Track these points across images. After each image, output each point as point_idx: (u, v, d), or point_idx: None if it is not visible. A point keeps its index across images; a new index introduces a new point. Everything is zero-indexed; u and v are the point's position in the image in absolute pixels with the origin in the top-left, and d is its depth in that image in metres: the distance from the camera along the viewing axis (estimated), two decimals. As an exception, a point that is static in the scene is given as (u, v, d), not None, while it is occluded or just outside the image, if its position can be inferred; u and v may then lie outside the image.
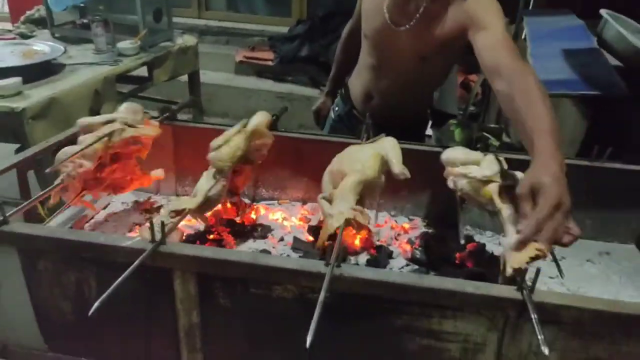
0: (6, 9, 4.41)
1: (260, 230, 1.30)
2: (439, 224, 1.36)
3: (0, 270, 0.96)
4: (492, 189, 1.00)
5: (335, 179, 1.09)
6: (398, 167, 1.10)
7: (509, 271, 0.84)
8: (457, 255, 1.21)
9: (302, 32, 3.94)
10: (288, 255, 1.21)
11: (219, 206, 1.22)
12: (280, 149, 1.35)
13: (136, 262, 0.78)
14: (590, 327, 0.80)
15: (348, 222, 0.95)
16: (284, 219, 1.37)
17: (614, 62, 1.87)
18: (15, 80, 1.85)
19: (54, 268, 0.93)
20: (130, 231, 1.28)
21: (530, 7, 2.84)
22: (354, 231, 1.01)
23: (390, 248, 1.25)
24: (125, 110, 1.23)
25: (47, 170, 1.07)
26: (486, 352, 0.85)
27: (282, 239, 1.28)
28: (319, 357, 0.90)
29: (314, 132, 1.53)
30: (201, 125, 1.50)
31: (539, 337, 0.69)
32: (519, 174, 0.99)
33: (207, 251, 0.90)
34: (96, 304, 0.68)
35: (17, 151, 1.67)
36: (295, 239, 1.26)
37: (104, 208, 1.38)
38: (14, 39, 2.63)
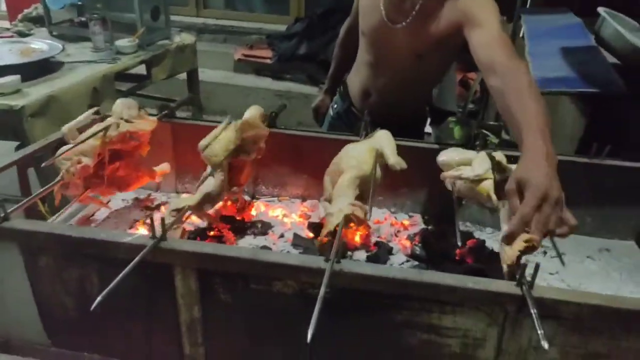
0: (4, 7, 4.40)
1: (261, 227, 1.30)
2: (438, 221, 1.36)
3: (3, 266, 0.96)
4: (487, 186, 1.00)
5: (335, 179, 1.09)
6: (393, 158, 1.10)
7: (504, 268, 0.84)
8: (457, 251, 1.21)
9: (300, 30, 3.94)
10: (288, 252, 1.21)
11: (221, 203, 1.22)
12: (279, 147, 1.35)
13: (137, 258, 0.79)
14: (589, 323, 0.80)
15: (347, 218, 0.96)
16: (284, 216, 1.38)
17: (611, 60, 1.88)
18: (14, 78, 1.85)
19: (55, 264, 0.94)
20: (130, 228, 1.28)
21: (528, 6, 2.85)
22: (355, 226, 1.01)
23: (390, 244, 1.25)
24: (120, 105, 1.23)
25: (43, 165, 1.07)
26: (486, 347, 0.85)
27: (282, 236, 1.28)
28: (320, 352, 0.91)
29: (313, 129, 1.53)
30: (200, 123, 1.50)
31: (539, 332, 0.70)
32: (514, 168, 1.00)
33: (207, 247, 0.90)
34: (98, 299, 0.68)
35: (17, 149, 1.67)
36: (296, 235, 1.26)
37: (107, 202, 1.38)
38: (11, 37, 2.63)
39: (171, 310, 0.92)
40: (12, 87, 1.83)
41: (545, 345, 0.68)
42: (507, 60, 1.07)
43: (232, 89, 3.94)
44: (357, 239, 1.24)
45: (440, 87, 2.70)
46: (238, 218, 1.32)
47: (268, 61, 3.97)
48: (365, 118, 1.32)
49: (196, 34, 3.90)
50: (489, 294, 0.80)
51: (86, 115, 1.23)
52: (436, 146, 1.35)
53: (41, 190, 1.05)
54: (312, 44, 3.85)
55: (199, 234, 1.24)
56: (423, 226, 1.36)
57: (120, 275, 0.75)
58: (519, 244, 0.82)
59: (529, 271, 0.78)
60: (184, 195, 1.44)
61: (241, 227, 1.29)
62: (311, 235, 1.27)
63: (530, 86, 0.99)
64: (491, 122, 2.97)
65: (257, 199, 1.46)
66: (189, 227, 1.25)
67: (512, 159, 1.08)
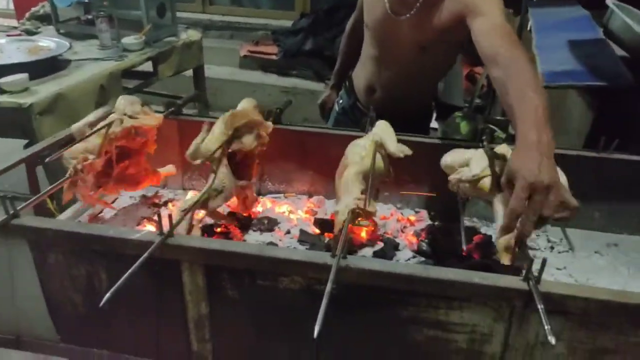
0: (11, 5, 4.43)
1: (267, 223, 1.30)
2: (445, 216, 1.36)
3: (12, 262, 0.98)
4: (486, 183, 1.00)
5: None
6: (393, 146, 1.10)
7: (502, 260, 0.85)
8: (463, 247, 1.21)
9: (306, 25, 3.93)
10: (295, 248, 1.21)
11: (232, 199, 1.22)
12: (285, 143, 1.36)
13: (145, 254, 0.79)
14: (597, 318, 0.80)
15: (354, 213, 0.96)
16: (290, 212, 1.38)
17: (620, 53, 1.86)
18: (22, 76, 1.86)
19: (64, 260, 0.95)
20: (138, 225, 1.29)
21: (536, -1, 2.82)
22: (362, 219, 1.02)
23: (397, 240, 1.25)
24: (123, 102, 1.23)
25: (47, 160, 1.08)
26: (493, 342, 0.85)
27: (288, 232, 1.28)
28: (326, 348, 0.91)
29: (318, 125, 1.53)
30: (207, 119, 1.50)
31: (546, 327, 0.69)
32: None
33: (214, 243, 0.90)
34: (107, 295, 0.69)
35: (26, 147, 1.68)
36: (302, 231, 1.26)
37: (112, 202, 1.39)
38: (19, 35, 2.64)
39: (179, 306, 0.93)
40: (20, 85, 1.85)
41: (553, 340, 0.68)
42: (509, 50, 1.06)
43: (238, 85, 3.94)
44: (364, 234, 1.25)
45: (445, 81, 2.69)
46: (245, 214, 1.32)
47: (274, 57, 3.97)
48: (371, 114, 1.32)
49: (202, 30, 3.91)
50: (496, 289, 0.80)
51: (95, 113, 1.24)
52: (442, 141, 1.35)
53: (50, 187, 1.06)
54: (318, 39, 3.84)
55: (206, 230, 1.24)
56: (429, 222, 1.36)
57: (129, 271, 0.75)
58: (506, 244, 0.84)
59: (536, 266, 0.78)
60: (191, 193, 1.44)
61: (248, 224, 1.29)
62: (317, 231, 1.28)
63: (531, 76, 0.98)
64: (498, 117, 2.95)
65: (264, 195, 1.46)
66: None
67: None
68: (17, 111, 1.77)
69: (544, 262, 0.77)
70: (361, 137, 1.19)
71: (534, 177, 0.80)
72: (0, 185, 1.15)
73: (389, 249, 1.21)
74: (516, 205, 0.81)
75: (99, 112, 1.24)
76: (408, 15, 1.34)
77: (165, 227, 0.87)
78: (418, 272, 0.82)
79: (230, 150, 1.17)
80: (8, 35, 2.55)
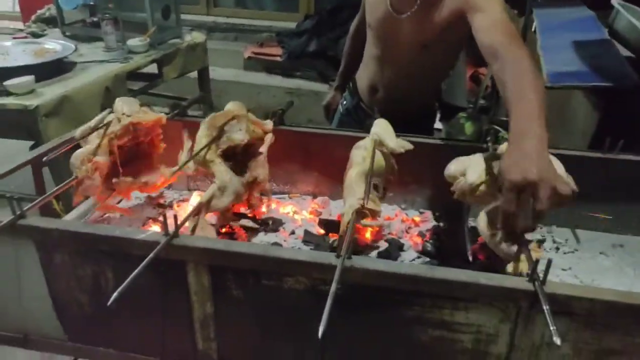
0: (17, 8, 4.46)
1: (272, 224, 1.31)
2: (450, 217, 1.36)
3: (19, 263, 0.98)
4: (483, 190, 1.00)
5: None
6: (392, 142, 1.10)
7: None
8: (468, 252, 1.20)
9: (310, 27, 3.93)
10: (299, 248, 1.21)
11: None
12: (288, 144, 1.36)
13: (151, 254, 0.80)
14: (602, 319, 0.80)
15: (360, 213, 0.96)
16: (295, 213, 1.38)
17: (625, 53, 1.85)
18: (28, 78, 1.88)
19: (70, 261, 0.95)
20: (144, 225, 1.30)
21: (540, -1, 2.81)
22: (369, 219, 1.02)
23: (401, 241, 1.25)
24: (120, 104, 1.24)
25: (45, 159, 1.10)
26: (498, 343, 0.85)
27: (293, 232, 1.29)
28: (331, 348, 0.91)
29: (322, 126, 1.53)
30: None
31: (551, 328, 0.69)
32: None
33: (219, 244, 0.91)
34: (114, 295, 0.69)
35: (32, 148, 1.70)
36: (306, 232, 1.27)
37: (118, 203, 1.40)
38: (25, 38, 2.67)
39: (184, 306, 0.93)
40: (26, 88, 1.86)
41: (558, 341, 0.68)
42: (507, 45, 1.06)
43: (243, 87, 3.95)
44: (368, 235, 1.25)
45: (449, 82, 2.68)
46: (249, 215, 1.33)
47: (278, 59, 3.98)
48: (376, 115, 1.32)
49: (207, 32, 3.92)
50: (502, 290, 0.79)
51: (96, 119, 1.25)
52: (446, 142, 1.35)
53: (56, 188, 1.07)
54: (322, 40, 3.84)
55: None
56: (434, 222, 1.35)
57: (135, 271, 0.76)
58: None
59: (541, 267, 0.78)
60: (195, 194, 1.45)
61: (256, 227, 1.30)
62: (322, 232, 1.28)
63: (530, 72, 0.97)
64: (503, 118, 2.94)
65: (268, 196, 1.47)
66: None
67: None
68: (23, 113, 1.78)
69: (549, 263, 0.77)
70: (364, 138, 1.20)
71: (520, 175, 0.79)
72: (7, 186, 1.16)
73: (394, 250, 1.21)
74: (506, 206, 0.81)
75: (100, 117, 1.25)
76: (409, 13, 1.35)
77: (171, 227, 0.87)
78: (423, 273, 0.82)
79: (223, 149, 1.17)
80: (14, 38, 2.57)
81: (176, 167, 1.17)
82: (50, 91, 1.91)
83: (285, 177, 1.47)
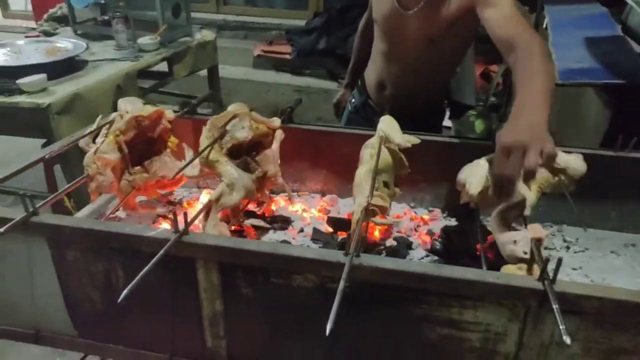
0: (30, 7, 4.51)
1: (281, 222, 1.31)
2: (459, 216, 1.35)
3: (32, 260, 1.00)
4: (489, 194, 1.00)
5: None
6: (398, 138, 1.10)
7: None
8: (478, 246, 1.20)
9: (319, 24, 3.93)
10: (308, 246, 1.22)
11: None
12: (297, 142, 1.36)
13: (162, 251, 0.80)
14: (612, 318, 0.79)
15: (369, 210, 0.96)
16: (304, 211, 1.38)
17: (639, 50, 1.83)
18: (40, 77, 1.90)
19: (82, 257, 0.96)
20: (154, 222, 1.31)
21: (552, -4, 2.79)
22: (379, 217, 1.02)
23: (410, 239, 1.25)
24: (123, 103, 1.26)
25: (46, 156, 1.11)
26: (507, 342, 0.85)
27: (301, 230, 1.29)
28: (339, 346, 0.91)
29: (330, 124, 1.53)
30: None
31: (561, 327, 0.69)
32: None
33: (228, 241, 0.91)
34: (125, 292, 0.70)
35: (44, 146, 1.72)
36: (315, 230, 1.27)
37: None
38: (38, 36, 2.70)
39: (194, 303, 0.94)
40: (38, 86, 1.88)
41: (568, 340, 0.67)
42: (522, 34, 1.09)
43: (252, 85, 3.96)
44: (377, 233, 1.25)
45: (458, 80, 2.66)
46: (259, 213, 1.33)
47: (287, 57, 3.98)
48: (385, 114, 1.31)
49: (216, 30, 3.93)
50: (511, 288, 0.79)
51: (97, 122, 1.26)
52: (455, 140, 1.34)
53: (67, 186, 1.08)
54: (331, 38, 3.84)
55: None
56: (443, 221, 1.35)
57: (145, 268, 0.76)
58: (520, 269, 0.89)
59: (551, 266, 0.77)
60: (205, 192, 1.46)
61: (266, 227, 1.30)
62: (330, 229, 1.28)
63: (539, 56, 1.00)
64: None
65: (277, 194, 1.47)
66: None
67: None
68: (36, 111, 1.80)
69: (559, 262, 0.76)
70: (373, 136, 1.19)
71: (511, 138, 0.85)
72: (19, 184, 1.17)
73: (402, 248, 1.21)
74: (497, 167, 0.86)
75: (98, 120, 1.26)
76: (416, 9, 1.35)
77: (181, 225, 0.88)
78: (431, 271, 0.82)
79: (228, 148, 1.17)
80: (26, 37, 2.60)
81: (177, 169, 1.18)
82: (62, 89, 1.93)
83: (294, 175, 1.47)
